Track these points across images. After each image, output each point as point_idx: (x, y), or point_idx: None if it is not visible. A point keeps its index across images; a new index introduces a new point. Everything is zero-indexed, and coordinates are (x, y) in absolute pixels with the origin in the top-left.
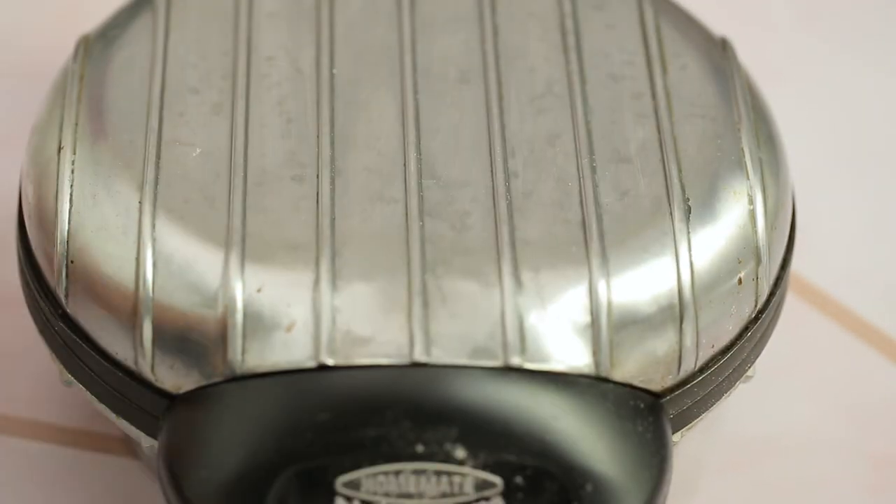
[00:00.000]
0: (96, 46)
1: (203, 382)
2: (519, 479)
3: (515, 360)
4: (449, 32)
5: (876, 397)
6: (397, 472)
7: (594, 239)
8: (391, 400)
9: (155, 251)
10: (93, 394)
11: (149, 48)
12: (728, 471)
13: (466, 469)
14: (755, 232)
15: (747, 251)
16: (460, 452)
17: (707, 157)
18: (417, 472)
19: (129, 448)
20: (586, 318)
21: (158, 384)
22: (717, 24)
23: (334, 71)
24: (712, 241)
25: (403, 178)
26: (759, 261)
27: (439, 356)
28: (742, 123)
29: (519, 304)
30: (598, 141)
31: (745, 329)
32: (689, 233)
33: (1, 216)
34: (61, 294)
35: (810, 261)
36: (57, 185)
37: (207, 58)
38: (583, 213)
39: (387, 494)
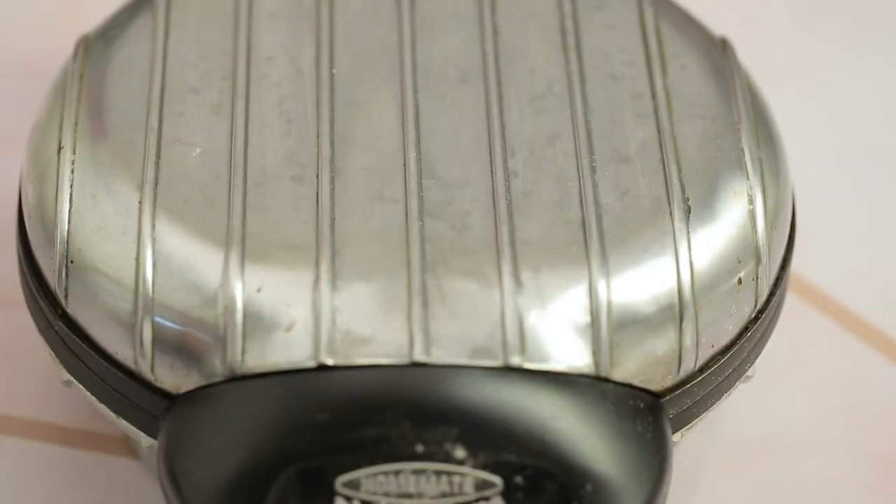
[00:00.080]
0: (96, 46)
1: (203, 382)
2: (519, 479)
3: (515, 360)
4: (449, 32)
5: (876, 397)
6: (397, 472)
7: (594, 239)
8: (391, 400)
9: (155, 251)
10: (93, 394)
11: (149, 48)
12: (728, 471)
13: (466, 469)
14: (755, 232)
15: (747, 251)
16: (460, 452)
17: (707, 157)
18: (417, 472)
19: (129, 448)
20: (586, 318)
21: (158, 384)
22: (717, 24)
23: (334, 71)
24: (712, 240)
25: (403, 178)
26: (758, 261)
27: (439, 356)
28: (742, 123)
29: (519, 304)
30: (598, 141)
31: (745, 329)
32: (688, 233)
33: (1, 216)
34: (61, 294)
35: (810, 261)
36: (57, 184)
37: (207, 57)
38: (583, 213)
39: (387, 494)
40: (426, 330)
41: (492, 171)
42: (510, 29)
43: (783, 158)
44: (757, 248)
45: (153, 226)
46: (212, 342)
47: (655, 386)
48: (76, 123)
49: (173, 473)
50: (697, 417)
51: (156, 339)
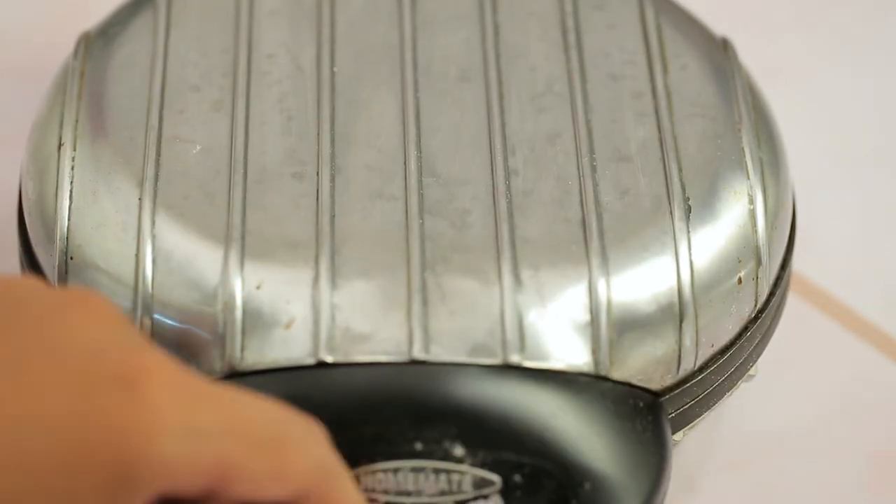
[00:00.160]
0: (97, 44)
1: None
2: (517, 478)
3: (514, 358)
4: (450, 31)
5: (876, 397)
6: (396, 470)
7: (594, 237)
8: (390, 397)
9: (155, 248)
10: None
11: (149, 46)
12: (728, 470)
13: (465, 467)
14: (755, 231)
15: (747, 251)
16: (459, 450)
17: (707, 157)
18: (416, 470)
19: None
20: (586, 317)
21: None
22: (718, 24)
23: (335, 69)
24: (712, 240)
25: (404, 176)
26: (758, 260)
27: (438, 354)
28: (742, 123)
29: (518, 303)
30: (599, 140)
31: (745, 329)
32: (689, 232)
33: (1, 213)
34: None
35: (811, 261)
36: (57, 181)
37: (208, 55)
38: (583, 212)
39: (385, 492)
40: (425, 327)
41: (492, 170)
42: (511, 28)
43: (783, 158)
44: (757, 248)
45: (153, 222)
46: (211, 339)
47: (655, 385)
48: (77, 120)
49: None
50: (699, 417)
51: (155, 336)
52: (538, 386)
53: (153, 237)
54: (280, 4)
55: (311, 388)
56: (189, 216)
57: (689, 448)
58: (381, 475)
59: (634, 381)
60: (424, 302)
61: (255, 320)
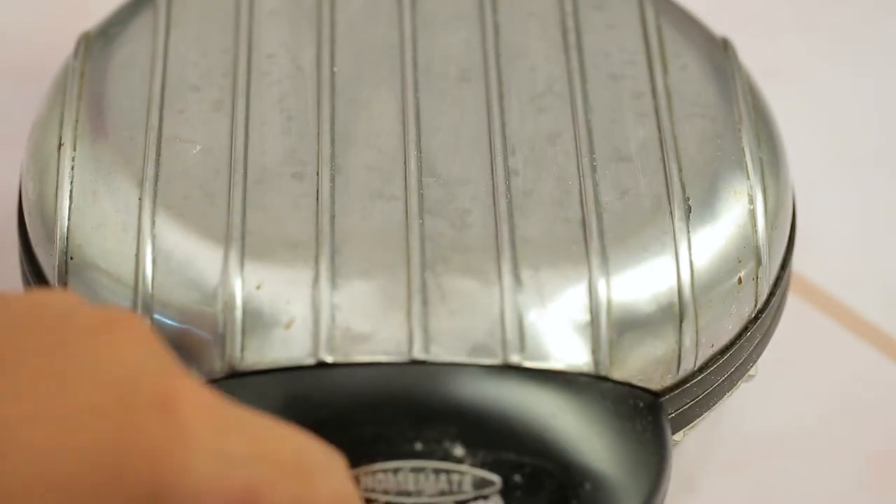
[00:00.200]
0: (97, 44)
1: (202, 379)
2: (517, 478)
3: (514, 358)
4: (450, 31)
5: (877, 397)
6: (396, 470)
7: (594, 237)
8: (390, 397)
9: (155, 248)
10: None
11: (149, 46)
12: (728, 470)
13: (465, 467)
14: (755, 232)
15: (747, 251)
16: (459, 450)
17: (707, 157)
18: (416, 470)
19: None
20: (586, 317)
21: None
22: (718, 24)
23: (335, 69)
24: (712, 240)
25: (404, 176)
26: (758, 261)
27: (438, 354)
28: (742, 123)
29: (518, 303)
30: (599, 140)
31: (745, 329)
32: (689, 232)
33: (1, 213)
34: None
35: (811, 261)
36: (57, 181)
37: (208, 55)
38: (583, 212)
39: (385, 492)
40: (425, 327)
41: (492, 170)
42: (511, 28)
43: (783, 158)
44: (757, 248)
45: (153, 222)
46: (211, 339)
47: (655, 385)
48: (77, 120)
49: None
50: (699, 417)
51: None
52: (538, 386)
53: (153, 237)
54: (280, 4)
55: (311, 388)
56: (189, 216)
57: (689, 448)
58: (381, 475)
59: (634, 382)
60: (424, 302)
61: (255, 320)
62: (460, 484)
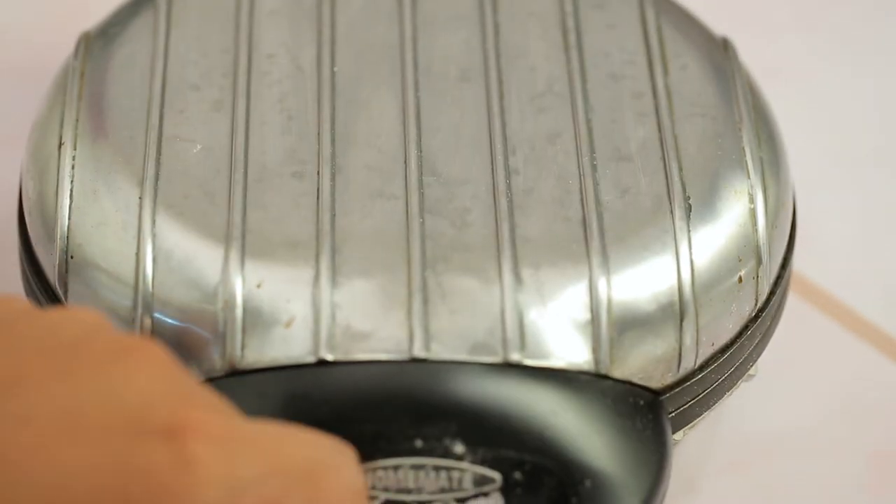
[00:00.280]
0: (97, 43)
1: (202, 378)
2: (518, 475)
3: (515, 357)
4: (450, 31)
5: (877, 397)
6: (396, 467)
7: (594, 236)
8: (390, 395)
9: (155, 246)
10: None
11: (149, 45)
12: (728, 471)
13: (465, 464)
14: (755, 231)
15: (748, 250)
16: (459, 447)
17: (708, 156)
18: (416, 467)
19: None
20: (586, 316)
21: None
22: (718, 24)
23: (335, 69)
24: (713, 239)
25: (404, 176)
26: (759, 260)
27: (438, 352)
28: (743, 123)
29: (519, 301)
30: (599, 139)
31: (746, 328)
32: (689, 231)
33: (2, 214)
34: (60, 290)
35: (811, 261)
36: (57, 180)
37: (208, 55)
38: (583, 211)
39: (385, 489)
40: (426, 326)
41: (492, 169)
42: (511, 28)
43: (784, 158)
44: (757, 247)
45: (153, 221)
46: (211, 338)
47: (655, 383)
48: (77, 120)
49: None
50: (699, 416)
51: (155, 335)
52: (538, 384)
53: (153, 236)
54: (280, 4)
55: (312, 386)
56: (189, 215)
57: (689, 448)
58: (381, 472)
59: (635, 380)
60: (425, 300)
61: (256, 319)
62: (460, 481)
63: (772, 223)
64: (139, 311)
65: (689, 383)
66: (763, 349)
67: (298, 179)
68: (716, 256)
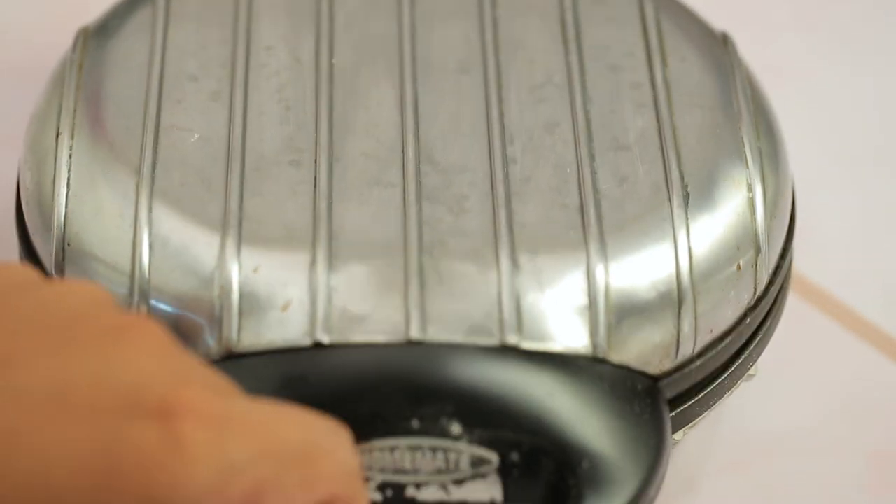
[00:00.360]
0: (96, 37)
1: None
2: (515, 456)
3: (512, 339)
4: (449, 24)
5: (876, 397)
6: (392, 448)
7: (592, 223)
8: (386, 376)
9: (151, 234)
10: None
11: (148, 38)
12: (728, 470)
13: (462, 445)
14: (754, 220)
15: (746, 238)
16: (456, 428)
17: (706, 146)
18: (413, 448)
19: None
20: (584, 301)
21: None
22: (717, 23)
23: (333, 60)
24: (711, 227)
25: (402, 164)
26: (757, 248)
27: (435, 334)
28: (741, 114)
29: (516, 285)
30: (597, 129)
31: (744, 316)
32: (687, 219)
33: (1, 212)
34: (58, 277)
35: (810, 260)
36: (55, 169)
37: (207, 47)
38: (581, 199)
39: (382, 470)
40: (423, 308)
41: (490, 158)
42: (510, 22)
43: (783, 149)
44: (756, 236)
45: (150, 209)
46: (207, 324)
47: (653, 369)
48: (74, 110)
49: None
50: (700, 415)
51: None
52: (535, 366)
53: (150, 223)
54: None
55: (308, 369)
56: (186, 202)
57: (689, 448)
58: (377, 453)
59: (633, 365)
60: (422, 284)
61: (252, 303)
62: (457, 462)
63: (770, 213)
64: (135, 298)
65: (687, 369)
66: (763, 347)
67: (296, 168)
68: (714, 245)
